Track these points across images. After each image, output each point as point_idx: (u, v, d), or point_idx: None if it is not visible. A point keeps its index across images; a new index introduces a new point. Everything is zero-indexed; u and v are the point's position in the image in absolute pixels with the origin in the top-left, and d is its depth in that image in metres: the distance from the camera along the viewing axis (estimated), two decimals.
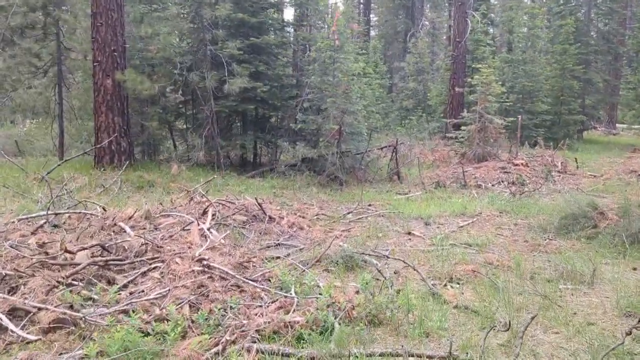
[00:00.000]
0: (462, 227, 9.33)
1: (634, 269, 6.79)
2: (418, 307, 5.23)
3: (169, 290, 5.23)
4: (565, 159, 17.07)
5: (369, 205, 11.03)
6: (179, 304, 5.04)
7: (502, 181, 13.85)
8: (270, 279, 5.79)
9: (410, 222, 9.66)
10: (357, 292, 5.50)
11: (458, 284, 6.25)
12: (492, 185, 13.59)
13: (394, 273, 6.65)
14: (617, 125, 33.90)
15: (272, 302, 5.18)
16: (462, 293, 5.88)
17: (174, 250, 6.23)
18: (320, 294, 5.42)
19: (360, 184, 13.03)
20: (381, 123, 23.78)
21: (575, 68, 26.35)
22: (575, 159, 17.31)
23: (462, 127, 17.89)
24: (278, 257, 7.01)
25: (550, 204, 11.30)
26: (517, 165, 15.58)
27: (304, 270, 6.39)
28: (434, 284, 6.18)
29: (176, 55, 13.77)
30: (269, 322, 4.66)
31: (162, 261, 5.99)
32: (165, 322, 4.70)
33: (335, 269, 6.67)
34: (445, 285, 6.19)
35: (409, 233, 8.82)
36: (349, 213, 10.14)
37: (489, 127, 17.27)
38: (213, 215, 8.23)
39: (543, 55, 28.09)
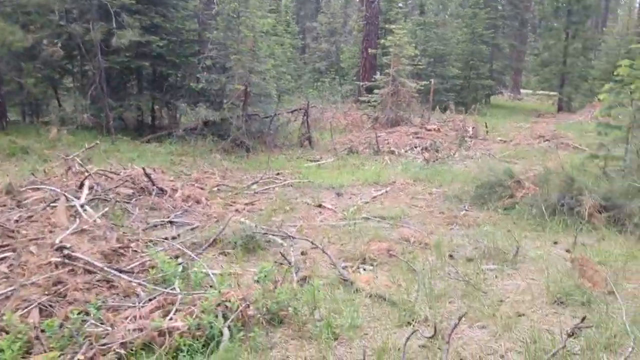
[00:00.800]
0: (375, 197, 8.66)
1: (555, 242, 6.37)
2: (327, 299, 4.46)
3: (14, 289, 4.11)
4: (476, 124, 16.93)
5: (277, 173, 10.14)
6: (26, 309, 3.95)
7: (416, 147, 13.39)
8: (151, 269, 4.78)
9: (321, 192, 8.88)
10: (257, 281, 4.61)
11: (372, 265, 5.53)
12: (406, 151, 13.08)
13: (301, 254, 5.84)
14: (521, 90, 34.85)
15: (148, 301, 4.20)
16: (377, 277, 5.15)
17: (29, 236, 5.05)
18: (211, 286, 4.52)
19: (268, 150, 12.08)
20: (293, 85, 22.80)
21: (485, 33, 26.48)
22: (485, 123, 17.23)
23: (375, 91, 17.29)
24: (165, 239, 5.99)
25: (464, 170, 10.92)
26: (429, 130, 15.21)
27: (196, 256, 5.42)
28: (346, 266, 5.43)
29: (55, 2, 11.97)
30: (139, 331, 3.69)
31: (13, 250, 4.81)
32: (3, 334, 3.62)
33: (233, 251, 5.74)
34: (358, 268, 5.45)
35: (320, 205, 8.03)
36: (254, 183, 9.20)
37: (401, 91, 16.77)
38: (91, 188, 7.02)
39: (454, 19, 28.02)
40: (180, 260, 5.29)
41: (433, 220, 7.40)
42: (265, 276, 4.42)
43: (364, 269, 5.42)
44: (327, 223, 7.14)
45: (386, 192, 9.01)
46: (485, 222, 7.25)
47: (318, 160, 11.67)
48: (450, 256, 5.79)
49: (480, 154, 13.03)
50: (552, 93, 27.29)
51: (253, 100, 12.44)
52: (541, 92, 28.68)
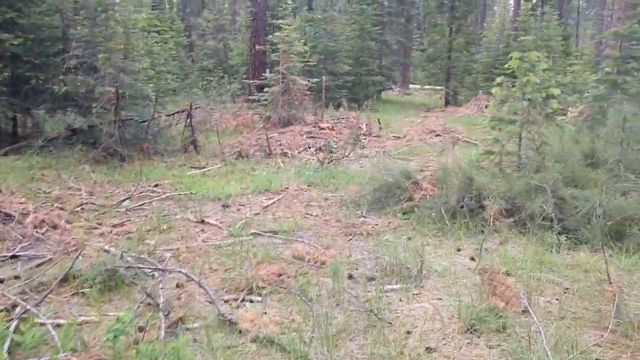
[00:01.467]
0: (266, 207, 7.84)
1: (458, 249, 5.90)
2: (201, 350, 3.58)
3: None
4: (369, 121, 16.60)
5: (155, 185, 9.02)
6: None
7: (309, 147, 12.72)
8: None
9: (206, 204, 7.92)
10: (114, 338, 3.63)
11: (260, 295, 4.70)
12: (299, 152, 12.38)
13: (176, 287, 4.90)
14: (410, 85, 35.51)
15: None
16: (265, 312, 4.33)
17: None
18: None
19: (146, 158, 10.86)
20: (178, 85, 21.43)
21: (373, 29, 26.50)
22: (378, 120, 16.94)
23: (265, 89, 16.48)
24: (1, 281, 4.80)
25: (360, 171, 10.38)
26: (323, 129, 14.64)
27: (39, 302, 4.32)
28: (228, 300, 4.57)
29: None
30: None
31: None
32: None
33: (90, 291, 4.68)
34: (243, 301, 4.60)
35: (202, 221, 7.08)
36: (126, 199, 8.04)
37: (292, 89, 16.09)
38: None
39: (342, 15, 27.82)
40: (18, 310, 4.18)
41: (330, 231, 6.71)
42: (122, 329, 3.47)
43: (251, 302, 4.58)
44: (210, 243, 6.21)
45: (278, 200, 8.22)
46: (385, 230, 6.68)
47: (203, 167, 10.65)
48: (350, 276, 5.10)
49: (376, 152, 12.61)
50: (439, 87, 27.86)
51: (127, 104, 11.15)
52: (429, 86, 29.27)
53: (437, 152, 11.86)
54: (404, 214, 7.21)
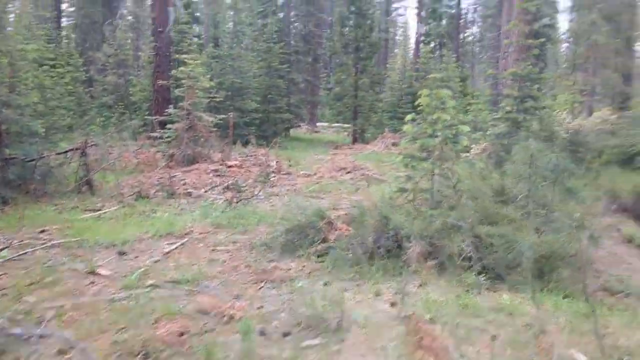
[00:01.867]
0: (168, 253, 7.12)
1: (378, 294, 5.52)
2: None
3: None
4: (279, 158, 16.23)
5: (41, 231, 8.02)
6: None
7: (216, 186, 12.07)
8: None
9: (99, 252, 7.08)
10: None
11: None
12: (205, 191, 11.69)
13: (58, 354, 4.13)
14: (318, 123, 35.75)
15: None
16: None
17: None
18: None
19: (33, 201, 9.76)
20: (75, 122, 20.10)
21: (280, 67, 26.46)
22: (288, 158, 16.61)
23: (169, 126, 15.69)
24: None
25: (271, 210, 9.88)
26: (231, 167, 14.05)
27: None
28: None
29: None
30: None
31: None
32: None
33: None
34: None
35: (94, 272, 6.25)
36: (4, 248, 7.02)
37: (198, 125, 15.42)
38: None
39: (249, 52, 27.61)
40: None
41: (239, 279, 6.13)
42: None
43: None
44: (101, 298, 5.44)
45: (182, 244, 7.53)
46: (299, 275, 6.20)
47: (99, 210, 9.70)
48: (262, 332, 4.55)
49: (286, 190, 12.18)
50: (346, 125, 28.16)
51: (12, 141, 10.04)
52: (336, 124, 29.52)
53: (351, 190, 11.64)
54: (318, 256, 6.78)
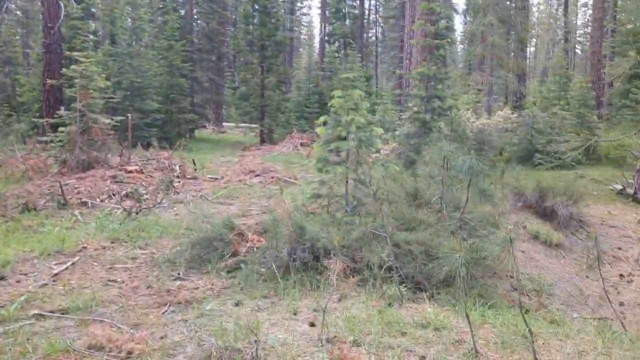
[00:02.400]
0: (57, 275, 6.26)
1: (295, 313, 5.07)
2: None
3: None
4: (183, 161, 15.34)
5: None
6: None
7: (114, 194, 11.09)
8: None
9: None
10: None
11: None
12: (102, 200, 10.69)
13: None
14: (224, 123, 34.78)
15: None
16: None
17: None
18: None
19: None
20: None
21: (183, 65, 25.35)
22: (193, 160, 15.77)
23: (61, 128, 14.34)
24: None
25: (175, 220, 9.16)
26: (130, 172, 13.05)
27: None
28: None
29: None
30: None
31: None
32: None
33: None
34: None
35: None
36: None
37: (93, 128, 14.21)
38: None
39: (150, 50, 26.25)
40: None
41: (139, 302, 5.45)
42: None
43: None
44: None
45: (73, 264, 6.67)
46: (208, 295, 5.61)
47: None
48: None
49: (192, 197, 11.43)
50: (253, 125, 27.51)
51: None
52: (243, 124, 28.80)
53: (262, 195, 11.12)
54: (229, 272, 6.23)
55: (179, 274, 6.30)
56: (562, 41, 36.36)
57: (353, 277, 5.67)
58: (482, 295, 5.64)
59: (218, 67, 32.87)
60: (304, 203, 7.75)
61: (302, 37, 56.46)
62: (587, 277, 8.85)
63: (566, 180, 10.89)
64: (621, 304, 7.91)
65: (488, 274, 6.05)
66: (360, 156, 6.68)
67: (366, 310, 5.06)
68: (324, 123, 7.46)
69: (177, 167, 14.34)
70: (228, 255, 6.43)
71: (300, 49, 53.49)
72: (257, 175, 14.10)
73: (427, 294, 5.57)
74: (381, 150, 14.68)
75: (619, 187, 12.41)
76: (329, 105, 7.46)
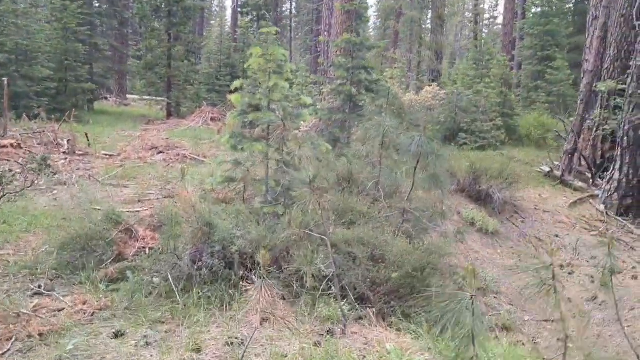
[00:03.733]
0: None
1: (199, 349, 3.53)
2: None
3: None
4: (74, 135, 13.03)
5: None
6: None
7: None
8: None
9: None
10: None
11: None
12: None
13: None
14: (128, 95, 31.77)
15: None
16: None
17: None
18: None
19: None
20: None
21: (79, 29, 22.36)
22: (86, 134, 13.50)
23: None
24: None
25: (53, 208, 7.23)
26: (4, 147, 10.72)
27: None
28: None
29: None
30: None
31: None
32: None
33: None
34: None
35: None
36: None
37: None
38: None
39: (41, 10, 23.01)
40: None
41: None
42: None
43: None
44: None
45: None
46: (76, 322, 3.93)
47: None
48: None
49: (79, 178, 9.41)
50: (159, 98, 25.05)
51: None
52: (148, 97, 26.20)
53: (164, 176, 9.31)
54: (110, 284, 4.54)
55: (39, 286, 4.52)
56: (472, 23, 36.36)
57: (279, 290, 4.20)
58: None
59: (121, 34, 29.82)
60: (213, 188, 6.13)
61: (213, 8, 53.36)
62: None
63: (498, 162, 9.97)
64: (568, 300, 7.04)
65: (445, 282, 4.82)
66: (287, 131, 5.16)
67: (299, 341, 3.61)
68: (238, 88, 5.85)
69: (65, 142, 12.11)
70: (110, 260, 4.73)
71: (212, 22, 50.56)
72: (160, 152, 12.17)
73: (374, 309, 4.21)
74: (300, 127, 13.21)
75: (547, 169, 11.76)
76: (246, 66, 5.84)
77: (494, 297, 6.59)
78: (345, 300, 4.13)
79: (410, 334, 3.77)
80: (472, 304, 2.06)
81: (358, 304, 4.26)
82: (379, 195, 6.14)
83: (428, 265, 4.42)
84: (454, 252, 5.67)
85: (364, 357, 3.35)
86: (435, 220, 6.02)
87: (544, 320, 6.25)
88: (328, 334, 3.71)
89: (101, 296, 4.32)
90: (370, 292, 4.33)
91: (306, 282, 3.74)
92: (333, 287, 3.96)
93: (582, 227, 9.32)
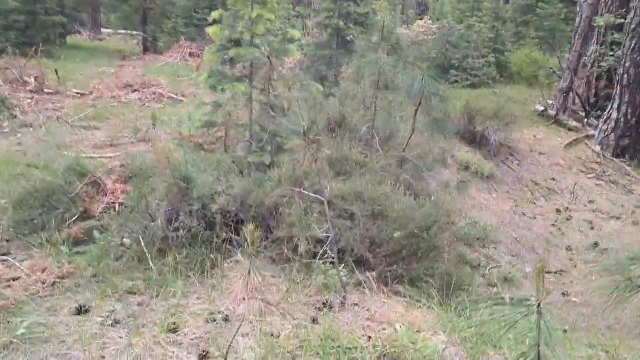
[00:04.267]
0: None
1: (176, 330, 2.99)
2: None
3: None
4: (43, 72, 12.01)
5: None
6: None
7: None
8: None
9: None
10: None
11: None
12: None
13: None
14: (102, 29, 30.01)
15: None
16: None
17: None
18: None
19: None
20: None
21: None
22: (56, 71, 12.47)
23: None
24: None
25: (15, 153, 6.52)
26: None
27: None
28: None
29: None
30: None
31: None
32: None
33: None
34: None
35: None
36: None
37: None
38: None
39: None
40: None
41: None
42: None
43: None
44: None
45: None
46: (34, 294, 3.35)
47: None
48: None
49: (46, 119, 8.59)
50: (135, 32, 23.61)
51: None
52: (124, 31, 24.70)
53: (140, 117, 8.53)
54: (74, 246, 3.94)
55: None
56: None
57: (270, 251, 3.65)
58: (449, 274, 3.87)
59: None
60: (192, 133, 5.45)
61: None
62: (524, 214, 7.53)
63: (494, 102, 9.36)
64: (568, 248, 6.65)
65: (452, 246, 4.32)
66: (274, 70, 4.45)
67: (294, 318, 3.08)
68: (217, 21, 5.05)
69: (33, 79, 11.14)
70: (74, 219, 4.10)
71: None
72: (136, 91, 11.30)
73: (374, 274, 3.70)
74: (285, 63, 12.36)
75: (541, 108, 11.17)
76: None
77: (494, 248, 6.16)
78: (342, 265, 3.59)
79: (420, 306, 3.27)
80: (539, 314, 1.51)
81: (356, 268, 3.73)
82: (373, 141, 5.53)
83: (435, 223, 3.88)
84: (461, 208, 5.13)
85: (370, 337, 2.84)
86: (434, 168, 5.46)
87: (546, 273, 5.85)
88: (325, 307, 3.19)
89: (64, 261, 3.73)
90: (369, 254, 3.80)
91: (300, 248, 3.19)
92: (330, 252, 3.40)
93: (578, 170, 8.87)
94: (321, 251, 3.27)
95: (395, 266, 3.70)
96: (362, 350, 2.69)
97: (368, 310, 3.20)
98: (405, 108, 5.61)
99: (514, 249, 6.31)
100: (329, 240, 3.16)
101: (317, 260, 3.43)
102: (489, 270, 5.50)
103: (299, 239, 3.29)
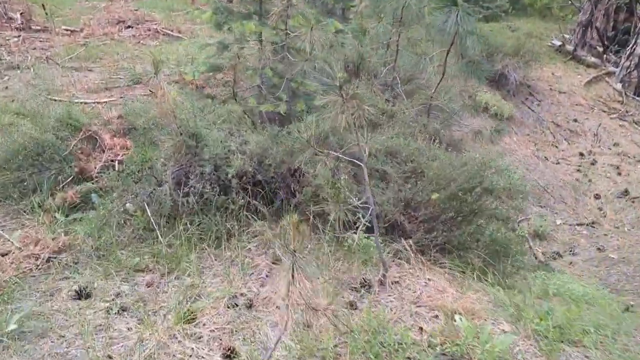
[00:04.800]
0: None
1: (191, 319, 2.53)
2: None
3: None
4: (29, 7, 11.07)
5: None
6: None
7: None
8: None
9: None
10: None
11: None
12: None
13: None
14: None
15: None
16: None
17: None
18: None
19: None
20: None
21: None
22: (43, 5, 11.51)
23: None
24: None
25: (2, 100, 5.89)
26: None
27: None
28: None
29: None
30: None
31: None
32: None
33: None
34: None
35: None
36: None
37: None
38: None
39: None
40: None
41: None
42: None
43: None
44: None
45: None
46: (25, 271, 2.88)
47: None
48: None
49: (34, 60, 7.86)
50: None
51: None
52: None
53: (135, 57, 7.84)
54: (69, 212, 3.43)
55: None
56: None
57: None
58: (494, 240, 3.40)
59: None
60: (195, 78, 4.82)
61: None
62: (547, 159, 7.02)
63: (512, 38, 8.64)
64: (596, 196, 6.19)
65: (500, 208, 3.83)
66: (291, 4, 3.79)
67: (327, 299, 2.62)
68: None
69: (18, 15, 10.24)
70: (68, 180, 3.57)
71: None
72: (129, 27, 10.43)
73: (410, 242, 3.22)
74: None
75: (558, 43, 10.42)
76: None
77: (521, 198, 5.68)
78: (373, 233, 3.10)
79: (469, 283, 2.81)
80: None
81: (388, 235, 3.26)
82: (395, 83, 4.92)
83: (480, 184, 3.38)
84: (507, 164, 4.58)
85: (421, 328, 2.39)
86: (463, 115, 4.90)
87: (577, 225, 5.41)
88: (363, 287, 2.73)
89: (59, 231, 3.23)
90: (404, 218, 3.31)
91: (334, 220, 2.67)
92: (365, 222, 2.88)
93: (600, 110, 8.28)
94: (356, 221, 2.76)
95: (435, 232, 3.22)
96: (415, 346, 2.24)
97: (412, 290, 2.74)
98: (428, 48, 4.96)
99: (542, 199, 5.85)
100: (370, 211, 2.65)
101: (350, 232, 2.94)
102: (518, 224, 5.05)
103: (330, 213, 2.77)
